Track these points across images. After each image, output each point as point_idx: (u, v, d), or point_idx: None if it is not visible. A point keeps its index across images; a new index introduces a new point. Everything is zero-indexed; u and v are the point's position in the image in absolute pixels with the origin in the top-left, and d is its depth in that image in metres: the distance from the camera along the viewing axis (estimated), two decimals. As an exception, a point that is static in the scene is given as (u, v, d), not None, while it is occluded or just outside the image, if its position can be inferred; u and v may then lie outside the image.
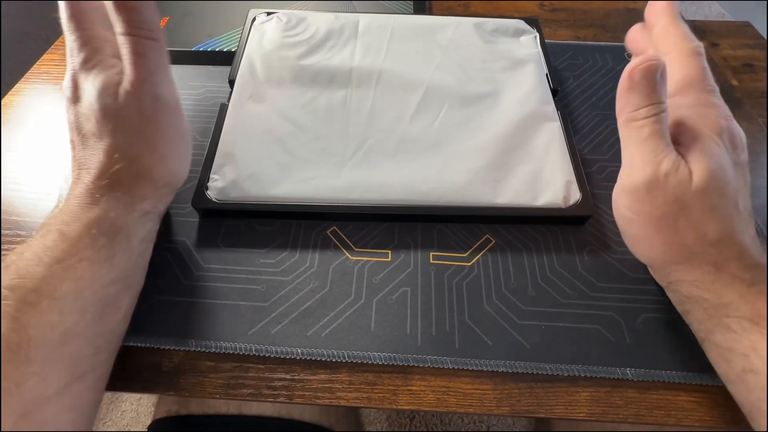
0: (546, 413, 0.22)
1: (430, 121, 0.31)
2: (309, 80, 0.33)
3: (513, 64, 0.35)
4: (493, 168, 0.29)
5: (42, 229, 0.20)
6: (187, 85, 0.37)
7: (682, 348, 0.23)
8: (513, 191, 0.28)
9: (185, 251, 0.27)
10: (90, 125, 0.22)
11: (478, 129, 0.31)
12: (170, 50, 0.37)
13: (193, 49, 0.38)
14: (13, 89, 0.37)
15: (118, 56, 0.22)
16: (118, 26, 0.22)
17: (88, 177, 0.21)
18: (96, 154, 0.22)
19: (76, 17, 0.22)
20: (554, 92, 0.34)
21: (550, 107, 0.32)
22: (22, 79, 0.38)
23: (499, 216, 0.28)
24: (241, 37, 0.36)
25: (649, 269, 0.25)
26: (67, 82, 0.23)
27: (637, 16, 0.45)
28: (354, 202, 0.28)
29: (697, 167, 0.20)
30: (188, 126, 0.25)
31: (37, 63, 0.39)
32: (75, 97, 0.22)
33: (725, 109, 0.22)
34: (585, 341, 0.24)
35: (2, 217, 0.29)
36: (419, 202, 0.28)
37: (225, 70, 0.38)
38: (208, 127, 0.32)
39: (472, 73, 0.34)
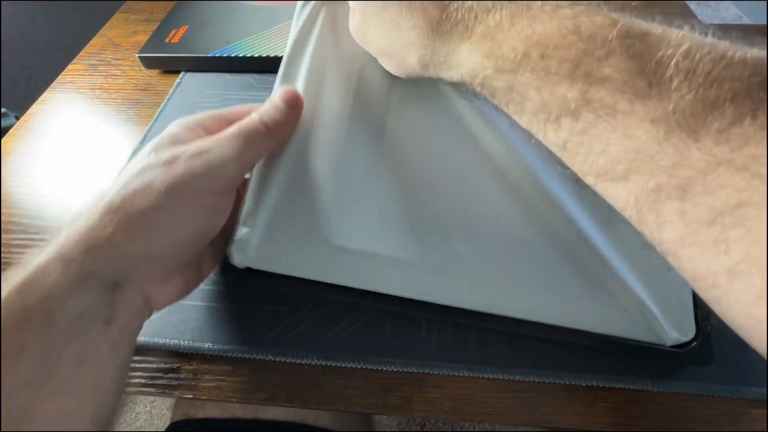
0: (564, 423, 0.22)
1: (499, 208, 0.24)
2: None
3: None
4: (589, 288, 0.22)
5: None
6: (204, 93, 0.38)
7: (704, 359, 0.23)
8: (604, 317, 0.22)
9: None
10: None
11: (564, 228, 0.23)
12: (188, 56, 0.39)
13: (209, 55, 0.38)
14: (40, 98, 0.38)
15: None
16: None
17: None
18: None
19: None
20: None
21: None
22: (49, 89, 0.39)
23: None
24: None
25: None
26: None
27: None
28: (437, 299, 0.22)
29: None
30: None
31: (63, 73, 0.41)
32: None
33: None
34: (605, 351, 0.23)
35: (28, 221, 0.30)
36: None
37: (242, 78, 0.39)
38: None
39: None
